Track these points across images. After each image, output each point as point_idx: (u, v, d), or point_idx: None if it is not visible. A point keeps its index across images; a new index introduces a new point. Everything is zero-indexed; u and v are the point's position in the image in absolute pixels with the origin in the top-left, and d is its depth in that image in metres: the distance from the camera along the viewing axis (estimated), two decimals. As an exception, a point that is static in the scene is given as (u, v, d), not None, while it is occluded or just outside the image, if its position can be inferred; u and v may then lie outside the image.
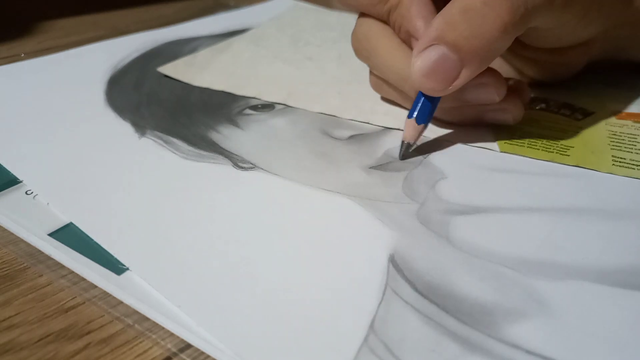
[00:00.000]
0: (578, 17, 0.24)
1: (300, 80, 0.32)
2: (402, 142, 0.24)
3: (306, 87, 0.31)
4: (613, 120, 0.27)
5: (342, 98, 0.29)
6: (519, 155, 0.24)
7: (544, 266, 0.18)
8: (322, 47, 0.37)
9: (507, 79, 0.26)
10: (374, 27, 0.26)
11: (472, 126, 0.26)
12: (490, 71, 0.24)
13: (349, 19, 0.40)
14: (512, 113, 0.25)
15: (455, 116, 0.26)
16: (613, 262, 0.18)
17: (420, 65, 0.22)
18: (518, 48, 0.27)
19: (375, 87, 0.29)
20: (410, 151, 0.24)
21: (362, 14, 0.27)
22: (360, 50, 0.27)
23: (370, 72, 0.28)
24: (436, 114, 0.25)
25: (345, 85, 0.31)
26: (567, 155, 0.24)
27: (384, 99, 0.29)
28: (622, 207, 0.21)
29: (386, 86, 0.28)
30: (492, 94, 0.24)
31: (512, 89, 0.26)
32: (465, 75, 0.22)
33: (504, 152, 0.24)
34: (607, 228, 0.20)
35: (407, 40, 0.25)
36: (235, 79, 0.32)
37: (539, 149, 0.25)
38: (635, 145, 0.25)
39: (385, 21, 0.26)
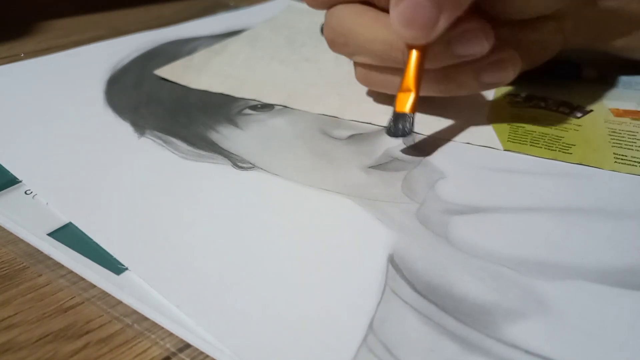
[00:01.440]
0: None
1: (299, 82, 0.32)
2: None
3: (306, 88, 0.31)
4: (611, 117, 0.27)
5: (342, 99, 0.29)
6: (522, 153, 0.24)
7: (544, 266, 0.18)
8: (319, 48, 0.37)
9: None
10: (346, 10, 0.26)
11: (474, 124, 0.26)
12: (474, 17, 0.24)
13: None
14: (511, 64, 0.25)
15: (449, 87, 0.26)
16: (613, 262, 0.18)
17: (397, 15, 0.22)
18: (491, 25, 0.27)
19: (363, 79, 0.28)
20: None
21: (332, 5, 0.27)
22: (337, 38, 0.26)
23: (355, 64, 0.28)
24: (433, 90, 0.25)
25: (345, 86, 0.31)
26: (569, 153, 0.24)
27: (372, 92, 0.29)
28: (622, 207, 0.21)
29: (373, 73, 0.27)
30: (480, 41, 0.23)
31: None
32: (444, 20, 0.22)
33: (507, 150, 0.24)
34: (607, 228, 0.20)
35: (387, 5, 0.24)
36: (233, 81, 0.32)
37: (541, 147, 0.25)
38: (635, 142, 0.25)
39: (357, 1, 0.26)
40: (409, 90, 0.23)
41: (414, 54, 0.23)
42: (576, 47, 0.30)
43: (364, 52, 0.26)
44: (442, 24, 0.22)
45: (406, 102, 0.23)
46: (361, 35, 0.25)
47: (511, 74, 0.25)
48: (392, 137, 0.24)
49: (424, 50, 0.23)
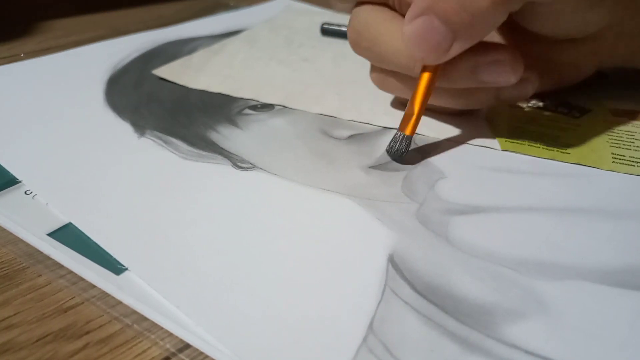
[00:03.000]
0: None
1: (297, 82, 0.32)
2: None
3: (304, 88, 0.31)
4: (610, 117, 0.27)
5: (341, 99, 0.29)
6: (520, 153, 0.24)
7: (544, 266, 0.18)
8: (317, 48, 0.37)
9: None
10: (373, 13, 0.25)
11: (473, 125, 0.26)
12: (506, 48, 0.23)
13: (342, 20, 0.40)
14: (531, 84, 0.25)
15: (465, 102, 0.25)
16: (613, 262, 0.18)
17: (409, 33, 0.22)
18: (519, 42, 0.27)
19: (379, 82, 0.27)
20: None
21: (358, 4, 0.26)
22: (360, 41, 0.25)
23: (372, 68, 0.27)
24: (446, 101, 0.25)
25: (344, 86, 0.31)
26: (567, 153, 0.24)
27: (371, 93, 0.29)
28: (622, 207, 0.21)
29: (391, 79, 0.26)
30: (507, 74, 0.23)
31: None
32: (457, 47, 0.21)
33: (505, 150, 0.24)
34: (607, 228, 0.20)
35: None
36: (232, 81, 0.31)
37: (539, 147, 0.25)
38: (633, 143, 0.25)
39: (384, 4, 0.25)
40: (412, 113, 0.23)
41: (426, 75, 0.23)
42: (612, 65, 0.29)
43: (387, 61, 0.25)
44: (455, 50, 0.21)
45: (408, 124, 0.23)
46: (387, 45, 0.24)
47: (530, 93, 0.25)
48: (390, 157, 0.24)
49: (436, 71, 0.23)
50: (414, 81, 0.24)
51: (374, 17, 0.25)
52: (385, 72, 0.26)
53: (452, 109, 0.26)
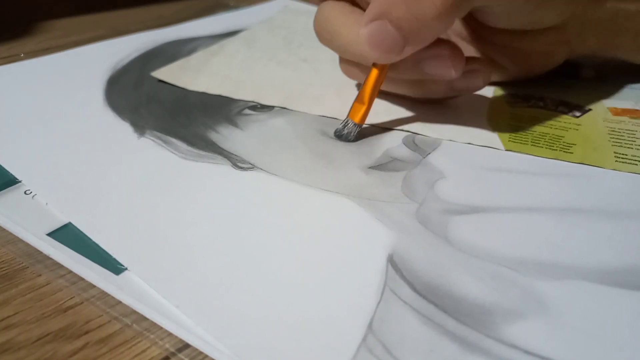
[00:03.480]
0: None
1: (297, 83, 0.32)
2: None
3: (304, 89, 0.31)
4: (610, 116, 0.27)
5: (342, 100, 0.29)
6: (524, 153, 0.24)
7: (543, 266, 0.18)
8: (316, 48, 0.37)
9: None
10: (334, 8, 0.26)
11: (474, 125, 0.26)
12: (448, 43, 0.25)
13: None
14: (482, 75, 0.26)
15: (421, 91, 0.27)
16: (613, 262, 0.18)
17: (366, 36, 0.23)
18: (485, 33, 0.28)
19: (347, 72, 0.29)
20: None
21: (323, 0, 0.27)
22: (323, 33, 0.27)
23: (340, 58, 0.29)
24: (405, 91, 0.27)
25: (343, 86, 0.31)
26: (570, 152, 0.24)
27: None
28: (622, 207, 0.21)
29: (354, 68, 0.28)
30: (447, 68, 0.24)
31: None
32: (408, 50, 0.23)
33: (509, 150, 0.24)
34: (607, 228, 0.20)
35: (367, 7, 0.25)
36: (231, 83, 0.31)
37: (542, 147, 0.25)
38: (634, 141, 0.25)
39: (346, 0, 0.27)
40: (363, 103, 0.25)
41: (375, 69, 0.25)
42: (584, 54, 0.30)
43: (346, 52, 0.26)
44: (406, 52, 0.23)
45: (358, 112, 0.25)
46: (344, 37, 0.26)
47: (481, 84, 0.26)
48: (336, 139, 0.25)
49: (385, 65, 0.25)
50: None
51: (335, 11, 0.26)
52: (348, 61, 0.28)
53: (414, 97, 0.28)
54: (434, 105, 0.28)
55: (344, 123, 0.25)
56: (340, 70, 0.29)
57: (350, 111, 0.25)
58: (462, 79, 0.26)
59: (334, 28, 0.26)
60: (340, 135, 0.25)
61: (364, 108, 0.25)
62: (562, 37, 0.28)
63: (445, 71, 0.25)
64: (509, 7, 0.25)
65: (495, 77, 0.30)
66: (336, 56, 0.28)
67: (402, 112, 0.28)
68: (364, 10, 0.25)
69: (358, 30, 0.24)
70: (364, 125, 0.26)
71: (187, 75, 0.32)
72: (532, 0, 0.25)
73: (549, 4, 0.26)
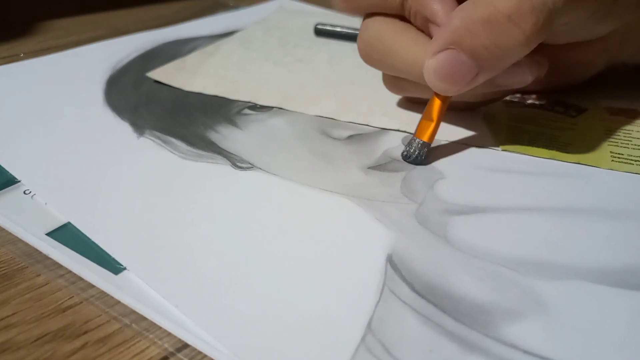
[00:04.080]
0: (591, 10, 0.23)
1: (293, 83, 0.32)
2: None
3: (301, 89, 0.31)
4: (606, 116, 0.27)
5: (339, 100, 0.29)
6: (520, 153, 0.24)
7: (543, 266, 0.18)
8: (312, 49, 0.37)
9: None
10: (385, 25, 0.25)
11: (472, 125, 0.26)
12: None
13: (336, 20, 0.40)
14: (529, 67, 0.23)
15: (481, 98, 0.26)
16: (612, 262, 0.18)
17: (434, 67, 0.21)
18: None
19: (392, 88, 0.27)
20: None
21: (368, 15, 0.25)
22: (372, 54, 0.25)
23: (385, 75, 0.27)
24: (462, 97, 0.25)
25: (340, 86, 0.31)
26: (567, 152, 0.24)
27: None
28: (621, 207, 0.21)
29: (406, 83, 0.26)
30: (524, 75, 0.23)
31: None
32: (481, 80, 0.21)
33: (505, 150, 0.24)
34: (606, 228, 0.20)
35: (425, 27, 0.24)
36: (228, 83, 0.31)
37: (539, 147, 0.25)
38: (631, 141, 0.25)
39: (397, 15, 0.25)
40: (431, 120, 0.23)
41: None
42: (620, 61, 0.29)
43: (401, 72, 0.25)
44: (478, 81, 0.21)
45: (426, 131, 0.23)
46: (400, 57, 0.24)
47: (528, 78, 0.23)
48: (406, 162, 0.24)
49: None
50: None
51: (386, 29, 0.24)
52: (397, 77, 0.26)
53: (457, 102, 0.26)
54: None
55: (410, 143, 0.24)
56: (385, 85, 0.27)
57: (417, 130, 0.24)
58: (507, 74, 0.23)
59: (388, 47, 0.24)
60: (408, 157, 0.24)
61: (432, 125, 0.23)
62: (606, 46, 0.27)
63: (521, 78, 0.23)
64: (574, 22, 0.23)
65: (532, 87, 0.28)
66: (332, 56, 0.28)
67: (401, 113, 0.28)
68: (417, 26, 0.24)
69: (417, 50, 0.23)
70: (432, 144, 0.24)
71: (183, 75, 0.32)
72: (596, 15, 0.23)
73: (611, 16, 0.24)
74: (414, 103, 0.28)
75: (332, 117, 0.28)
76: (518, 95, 0.30)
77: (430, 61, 0.21)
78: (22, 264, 0.19)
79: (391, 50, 0.24)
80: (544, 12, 0.20)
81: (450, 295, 0.17)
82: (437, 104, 0.23)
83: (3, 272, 0.18)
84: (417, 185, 0.22)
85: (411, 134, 0.26)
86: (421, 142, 0.23)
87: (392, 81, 0.27)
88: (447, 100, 0.23)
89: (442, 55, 0.21)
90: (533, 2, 0.20)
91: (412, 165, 0.23)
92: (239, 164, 0.23)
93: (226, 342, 0.15)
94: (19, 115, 0.28)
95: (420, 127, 0.24)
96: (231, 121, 0.27)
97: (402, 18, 0.25)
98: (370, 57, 0.25)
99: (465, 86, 0.21)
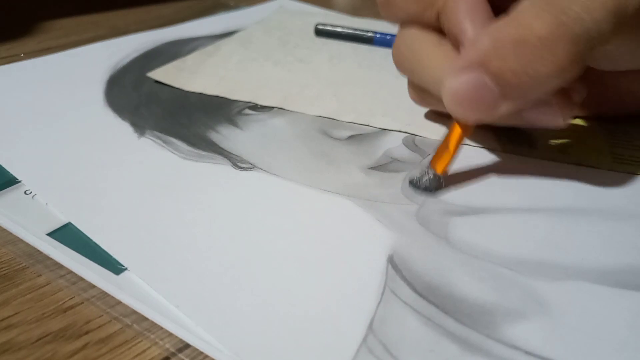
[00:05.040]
0: None
1: (294, 83, 0.31)
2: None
3: (301, 89, 0.31)
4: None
5: (339, 100, 0.29)
6: (521, 155, 0.24)
7: (543, 266, 0.18)
8: (312, 49, 0.37)
9: None
10: (419, 38, 0.24)
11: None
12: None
13: (336, 20, 0.40)
14: (560, 110, 0.21)
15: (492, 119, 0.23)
16: (612, 262, 0.18)
17: (454, 89, 0.19)
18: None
19: (418, 99, 0.26)
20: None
21: (405, 25, 0.24)
22: (403, 62, 0.24)
23: (410, 84, 0.26)
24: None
25: (341, 87, 0.31)
26: (567, 153, 0.24)
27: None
28: (622, 207, 0.21)
29: (431, 98, 0.24)
30: (556, 118, 0.20)
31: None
32: (504, 110, 0.19)
33: (507, 152, 0.24)
34: (606, 228, 0.20)
35: (456, 46, 0.22)
36: (228, 83, 0.31)
37: (539, 148, 0.25)
38: (631, 142, 0.25)
39: (433, 27, 0.23)
40: (447, 151, 0.21)
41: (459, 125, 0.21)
42: None
43: (429, 86, 0.23)
44: (500, 112, 0.19)
45: (442, 162, 0.22)
46: (429, 69, 0.23)
47: (560, 122, 0.21)
48: (414, 189, 0.22)
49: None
50: None
51: (420, 42, 0.23)
52: (424, 90, 0.24)
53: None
54: (434, 107, 0.28)
55: (423, 172, 0.22)
56: (409, 96, 0.26)
57: (433, 158, 0.22)
58: (536, 111, 0.21)
59: (419, 59, 0.23)
60: (416, 185, 0.22)
61: (448, 157, 0.21)
62: None
63: (552, 121, 0.20)
64: (622, 52, 0.21)
65: (581, 112, 0.27)
66: (332, 57, 0.28)
67: (401, 113, 0.28)
68: (451, 44, 0.23)
69: (447, 63, 0.21)
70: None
71: (184, 76, 0.32)
72: None
73: None
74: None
75: (332, 117, 0.28)
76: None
77: (451, 80, 0.19)
78: (23, 264, 0.19)
79: (422, 63, 0.23)
80: (585, 40, 0.18)
81: (451, 296, 0.17)
82: (456, 133, 0.21)
83: (4, 272, 0.18)
84: (417, 186, 0.22)
85: (411, 134, 0.26)
86: (434, 172, 0.22)
87: (418, 94, 0.26)
88: (469, 132, 0.21)
89: (464, 76, 0.19)
90: (573, 28, 0.18)
91: (413, 166, 0.23)
92: (239, 164, 0.23)
93: (227, 342, 0.15)
94: (19, 115, 0.28)
95: (437, 155, 0.22)
96: (232, 121, 0.27)
97: (439, 30, 0.23)
98: (402, 66, 0.25)
99: (486, 115, 0.19)
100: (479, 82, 0.18)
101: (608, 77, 0.24)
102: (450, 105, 0.20)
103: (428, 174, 0.22)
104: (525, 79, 0.18)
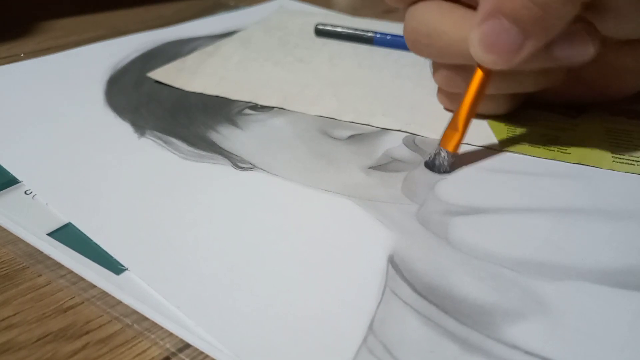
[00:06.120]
0: None
1: (294, 83, 0.31)
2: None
3: (301, 89, 0.31)
4: (607, 116, 0.27)
5: (339, 100, 0.29)
6: (521, 154, 0.24)
7: (544, 267, 0.18)
8: (312, 49, 0.37)
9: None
10: (430, 8, 0.24)
11: (473, 125, 0.26)
12: (578, 18, 0.21)
13: (336, 20, 0.40)
14: (589, 35, 0.21)
15: (542, 82, 0.24)
16: (613, 262, 0.18)
17: (478, 38, 0.21)
18: None
19: (444, 82, 0.26)
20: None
21: (411, 4, 0.25)
22: (420, 38, 0.24)
23: (436, 67, 0.26)
24: (499, 89, 0.24)
25: (341, 86, 0.31)
26: (568, 153, 0.24)
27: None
28: (622, 207, 0.21)
29: (457, 77, 0.25)
30: (585, 45, 0.21)
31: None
32: (529, 47, 0.20)
33: (507, 151, 0.24)
34: (606, 228, 0.20)
35: (471, 1, 0.23)
36: (228, 83, 0.31)
37: (540, 147, 0.25)
38: (631, 141, 0.25)
39: None
40: (456, 130, 0.23)
41: (477, 77, 0.22)
42: None
43: (451, 52, 0.24)
44: (526, 50, 0.20)
45: (451, 140, 0.23)
46: (448, 35, 0.23)
47: (590, 51, 0.21)
48: (430, 170, 0.23)
49: (490, 75, 0.22)
50: None
51: (432, 12, 0.24)
52: (450, 69, 0.25)
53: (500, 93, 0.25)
54: (432, 105, 0.28)
55: (435, 152, 0.23)
56: (435, 81, 0.26)
57: (441, 139, 0.23)
58: (564, 46, 0.21)
59: (435, 28, 0.23)
60: (431, 166, 0.23)
61: (457, 135, 0.23)
62: None
63: (582, 50, 0.21)
64: (633, 6, 0.21)
65: (571, 98, 0.27)
66: (332, 57, 0.28)
67: (400, 113, 0.28)
68: (463, 4, 0.23)
69: (465, 26, 0.22)
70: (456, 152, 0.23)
71: (184, 76, 0.32)
72: None
73: None
74: (415, 103, 0.28)
75: (332, 117, 0.28)
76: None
77: (474, 32, 0.21)
78: (23, 264, 0.19)
79: (438, 31, 0.23)
80: None
81: (451, 296, 0.17)
82: (464, 110, 0.22)
83: (4, 272, 0.18)
84: (418, 186, 0.22)
85: (412, 134, 0.26)
86: (446, 152, 0.23)
87: (444, 73, 0.25)
88: (475, 108, 0.23)
89: (484, 26, 0.20)
90: None
91: (413, 166, 0.23)
92: (240, 164, 0.23)
93: (228, 342, 0.15)
94: (19, 115, 0.28)
95: (445, 135, 0.23)
96: (232, 121, 0.27)
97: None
98: (418, 44, 0.24)
99: (514, 56, 0.20)
100: (500, 26, 0.20)
101: (609, 55, 0.24)
102: (479, 56, 0.21)
103: (443, 155, 0.23)
104: (537, 12, 0.19)
